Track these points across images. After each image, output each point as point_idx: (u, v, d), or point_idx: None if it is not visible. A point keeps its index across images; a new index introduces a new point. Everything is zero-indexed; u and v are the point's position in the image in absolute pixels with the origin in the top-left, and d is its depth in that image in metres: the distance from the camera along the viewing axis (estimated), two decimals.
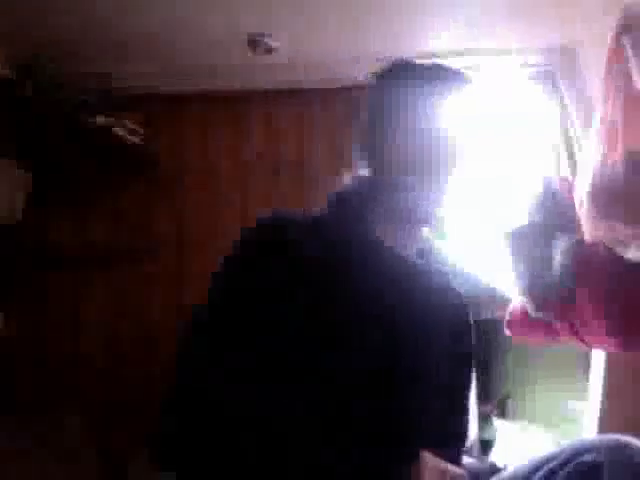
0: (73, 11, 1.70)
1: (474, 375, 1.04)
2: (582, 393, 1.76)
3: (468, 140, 0.92)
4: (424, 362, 0.86)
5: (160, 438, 0.76)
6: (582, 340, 1.52)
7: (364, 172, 0.96)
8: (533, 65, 2.02)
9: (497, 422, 2.02)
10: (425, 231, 0.99)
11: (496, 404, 2.07)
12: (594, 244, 1.45)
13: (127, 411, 1.84)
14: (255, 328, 0.78)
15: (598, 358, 1.65)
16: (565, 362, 1.95)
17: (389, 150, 0.92)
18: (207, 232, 2.05)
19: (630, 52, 1.46)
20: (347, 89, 2.10)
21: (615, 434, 0.77)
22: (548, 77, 2.00)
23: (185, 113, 2.16)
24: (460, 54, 1.97)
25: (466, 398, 0.99)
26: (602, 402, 1.58)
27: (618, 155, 1.34)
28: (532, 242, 1.54)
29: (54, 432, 1.64)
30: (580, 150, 1.86)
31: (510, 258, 1.56)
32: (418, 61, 0.99)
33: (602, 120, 1.46)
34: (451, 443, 0.90)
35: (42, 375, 1.92)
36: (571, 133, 1.93)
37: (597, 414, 1.58)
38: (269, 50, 1.93)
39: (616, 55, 1.50)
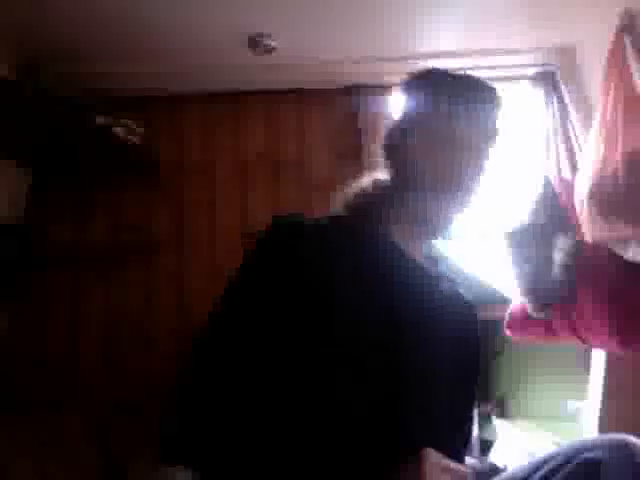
0: (73, 11, 1.70)
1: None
2: (582, 392, 1.76)
3: (494, 152, 0.93)
4: (429, 363, 0.86)
5: (174, 432, 0.77)
6: (582, 339, 1.52)
7: (384, 174, 0.96)
8: (533, 65, 2.02)
9: (497, 422, 2.02)
10: (438, 237, 0.99)
11: (496, 404, 2.07)
12: (594, 244, 1.45)
13: (127, 411, 1.84)
14: (265, 327, 0.79)
15: (598, 358, 1.65)
16: (565, 362, 1.95)
17: (413, 154, 0.92)
18: (207, 232, 2.05)
19: (630, 52, 1.46)
20: (347, 89, 2.10)
21: (616, 433, 0.77)
22: (548, 77, 2.00)
23: (185, 113, 2.16)
24: (460, 54, 1.97)
25: (470, 402, 0.98)
26: (602, 402, 1.58)
27: (618, 155, 1.34)
28: (532, 242, 1.54)
29: (54, 432, 1.64)
30: (580, 150, 1.86)
31: (510, 258, 1.57)
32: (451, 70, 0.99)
33: (602, 120, 1.46)
34: (454, 443, 0.90)
35: (42, 375, 1.92)
36: (571, 133, 1.93)
37: (597, 414, 1.58)
38: (269, 50, 1.93)
39: (616, 55, 1.50)
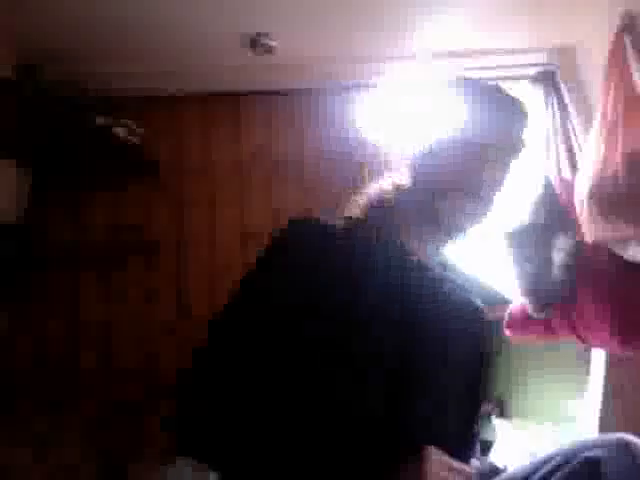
0: (73, 12, 1.71)
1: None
2: (582, 393, 1.76)
3: (514, 165, 0.94)
4: (432, 363, 0.86)
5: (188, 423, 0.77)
6: (582, 338, 1.52)
7: (403, 178, 0.96)
8: (533, 65, 2.02)
9: (497, 422, 2.02)
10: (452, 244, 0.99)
11: (495, 404, 2.07)
12: (594, 244, 1.45)
13: (127, 411, 1.84)
14: (274, 325, 0.80)
15: (598, 358, 1.65)
16: (565, 362, 1.95)
17: (439, 162, 0.92)
18: (206, 232, 2.05)
19: (630, 52, 1.47)
20: (347, 89, 2.10)
21: (616, 433, 0.77)
22: (548, 77, 2.00)
23: (185, 113, 2.16)
24: (460, 54, 1.97)
25: (476, 403, 0.98)
26: (602, 402, 1.58)
27: (618, 155, 1.34)
28: (532, 242, 1.54)
29: (54, 432, 1.64)
30: (580, 150, 1.86)
31: (511, 258, 1.56)
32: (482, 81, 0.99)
33: (602, 120, 1.46)
34: (459, 444, 0.90)
35: (42, 375, 1.92)
36: (571, 133, 1.93)
37: (597, 414, 1.58)
38: (269, 50, 1.93)
39: (616, 55, 1.50)
